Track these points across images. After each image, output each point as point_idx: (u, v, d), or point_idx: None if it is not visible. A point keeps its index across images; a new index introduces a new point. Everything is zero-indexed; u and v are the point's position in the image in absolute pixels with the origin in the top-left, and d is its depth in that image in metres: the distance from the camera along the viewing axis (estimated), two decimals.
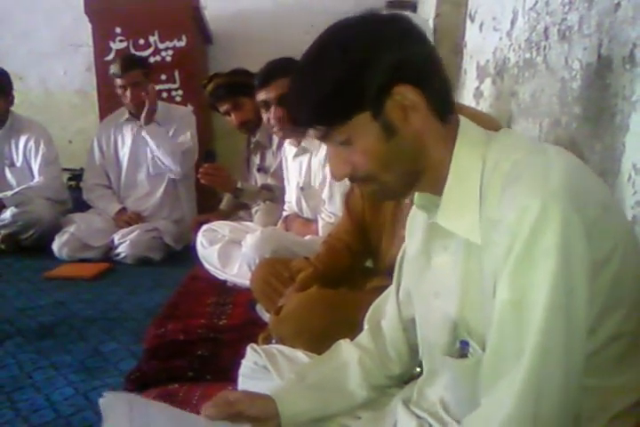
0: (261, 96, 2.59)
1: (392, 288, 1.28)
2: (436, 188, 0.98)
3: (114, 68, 3.65)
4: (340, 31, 0.96)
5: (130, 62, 3.70)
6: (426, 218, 1.06)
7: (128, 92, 3.64)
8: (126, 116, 3.85)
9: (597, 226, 0.83)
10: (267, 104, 2.59)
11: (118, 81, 3.64)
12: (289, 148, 2.82)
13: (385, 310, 1.29)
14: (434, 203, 1.00)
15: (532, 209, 0.81)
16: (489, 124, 1.20)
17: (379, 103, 0.92)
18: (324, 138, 0.98)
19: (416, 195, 1.06)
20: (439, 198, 0.98)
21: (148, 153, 3.83)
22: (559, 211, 0.80)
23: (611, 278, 0.86)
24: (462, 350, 0.98)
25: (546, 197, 0.81)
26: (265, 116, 2.66)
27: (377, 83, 0.91)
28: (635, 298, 0.89)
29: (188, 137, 3.81)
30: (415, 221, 1.15)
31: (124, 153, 3.89)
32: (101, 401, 1.19)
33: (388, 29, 0.95)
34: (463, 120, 1.00)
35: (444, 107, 0.97)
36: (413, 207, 1.12)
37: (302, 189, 2.73)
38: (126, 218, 3.76)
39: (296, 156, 2.74)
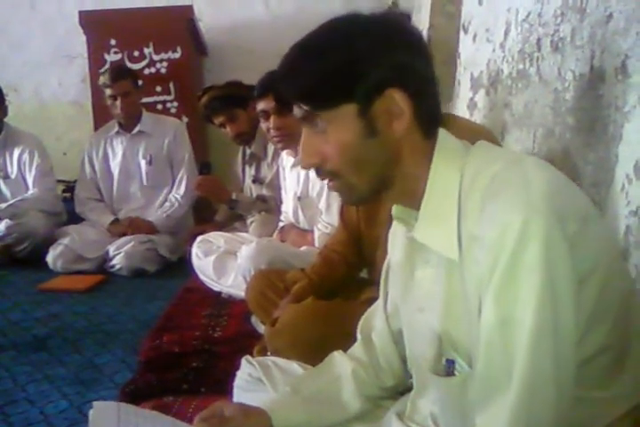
0: (261, 106, 2.59)
1: (380, 301, 1.27)
2: (413, 201, 0.97)
3: (103, 79, 3.66)
4: (353, 21, 0.95)
5: (119, 72, 3.71)
6: (405, 231, 1.05)
7: (118, 102, 3.64)
8: (116, 128, 3.85)
9: (580, 239, 0.82)
10: (266, 114, 2.59)
11: (108, 91, 3.64)
12: (286, 158, 2.82)
13: (374, 324, 1.29)
14: (413, 216, 0.99)
15: (514, 225, 0.80)
16: (483, 135, 1.21)
17: (369, 99, 0.91)
18: (304, 119, 0.96)
19: (394, 208, 1.05)
20: (417, 212, 0.97)
21: (140, 165, 3.84)
22: (541, 226, 0.79)
23: (596, 291, 0.85)
24: (448, 369, 0.96)
25: (527, 212, 0.80)
26: (264, 126, 2.66)
27: (374, 79, 0.91)
28: (620, 310, 0.89)
29: (186, 158, 3.84)
30: (396, 234, 1.14)
31: (115, 165, 3.89)
32: (90, 412, 1.19)
33: (398, 33, 0.95)
34: (442, 133, 0.99)
35: (429, 122, 0.96)
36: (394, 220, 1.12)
37: (299, 198, 2.73)
38: (120, 228, 3.73)
39: (294, 166, 2.75)
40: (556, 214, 0.81)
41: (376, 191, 0.99)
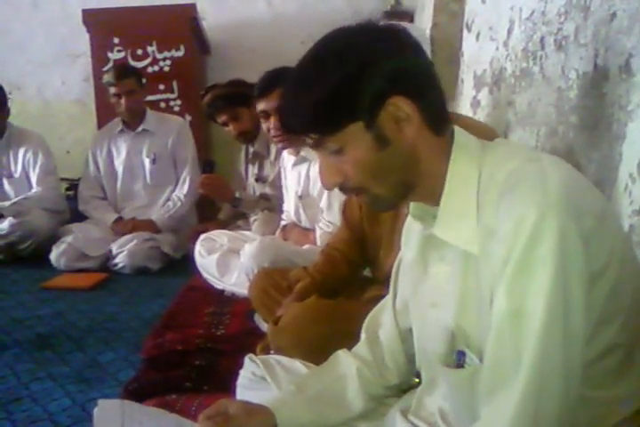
0: (261, 106, 2.60)
1: (388, 298, 1.27)
2: (432, 198, 0.98)
3: (108, 77, 3.66)
4: (337, 39, 0.95)
5: (124, 70, 3.72)
6: (421, 228, 1.06)
7: (122, 101, 3.65)
8: (120, 127, 3.86)
9: (594, 236, 0.83)
10: (266, 114, 2.59)
11: (112, 89, 3.65)
12: (288, 157, 2.82)
13: (382, 321, 1.29)
14: (430, 213, 1.00)
15: (529, 219, 0.80)
16: (486, 133, 1.20)
17: (372, 114, 0.92)
18: (316, 146, 0.97)
19: (411, 205, 1.06)
20: (435, 209, 0.97)
21: (144, 164, 3.84)
22: (556, 221, 0.80)
23: (607, 289, 0.85)
24: (459, 360, 0.97)
25: (543, 206, 0.81)
26: (265, 126, 2.67)
27: (371, 93, 0.91)
28: (630, 309, 0.89)
29: (190, 157, 3.85)
30: (410, 230, 1.14)
31: (119, 164, 3.90)
32: (95, 410, 1.19)
33: (384, 39, 0.94)
34: (457, 131, 1.00)
35: (438, 119, 0.96)
36: (409, 217, 1.12)
37: (301, 197, 2.73)
38: (122, 227, 3.74)
39: (295, 165, 2.75)
40: (572, 210, 0.81)
41: (404, 196, 1.00)
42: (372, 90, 0.91)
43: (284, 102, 0.98)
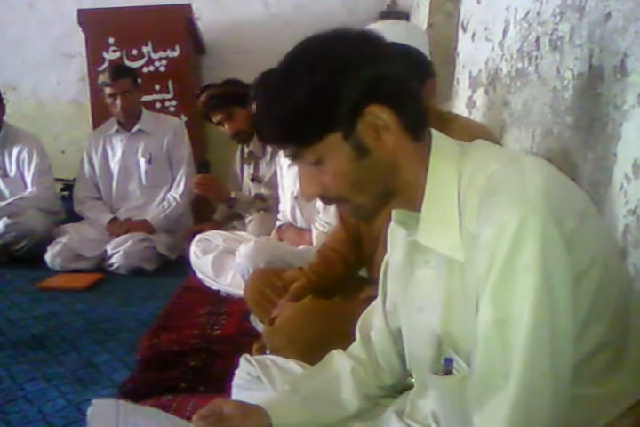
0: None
1: (378, 300, 1.27)
2: (414, 204, 0.96)
3: (103, 77, 3.65)
4: (310, 48, 0.93)
5: (119, 71, 3.71)
6: (405, 234, 1.04)
7: (118, 101, 3.64)
8: (115, 127, 3.85)
9: (576, 237, 0.82)
10: None
11: (108, 90, 3.64)
12: (284, 157, 2.81)
13: (373, 322, 1.29)
14: (413, 218, 0.98)
15: (510, 224, 0.80)
16: (482, 134, 1.20)
17: (350, 123, 0.90)
18: (294, 157, 0.95)
19: (393, 211, 1.04)
20: (418, 214, 0.96)
21: (140, 164, 3.84)
22: (538, 225, 0.79)
23: (593, 288, 0.85)
24: (447, 367, 0.96)
25: (524, 211, 0.80)
26: None
27: (347, 102, 0.89)
28: (617, 308, 0.89)
29: (185, 158, 3.85)
30: (396, 232, 1.13)
31: (115, 164, 3.89)
32: (89, 410, 1.19)
33: (358, 48, 0.92)
34: (435, 134, 0.98)
35: (416, 125, 0.95)
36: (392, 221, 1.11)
37: (297, 197, 2.73)
38: (117, 227, 3.73)
39: (291, 165, 2.74)
40: (553, 213, 0.81)
41: (385, 204, 0.98)
42: (347, 99, 0.89)
43: (258, 115, 0.97)
